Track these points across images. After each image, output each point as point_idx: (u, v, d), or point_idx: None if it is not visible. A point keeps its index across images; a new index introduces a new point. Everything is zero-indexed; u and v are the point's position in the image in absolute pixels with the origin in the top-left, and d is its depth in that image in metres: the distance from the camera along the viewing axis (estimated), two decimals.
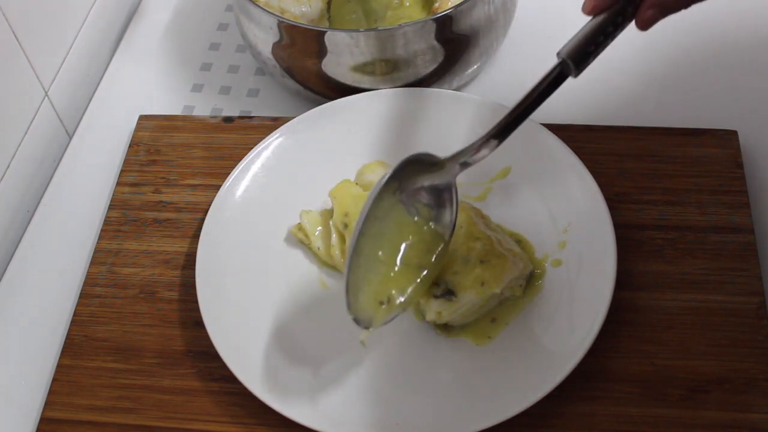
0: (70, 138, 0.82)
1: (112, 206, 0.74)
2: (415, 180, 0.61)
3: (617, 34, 0.58)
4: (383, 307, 0.59)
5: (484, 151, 0.61)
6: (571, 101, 0.78)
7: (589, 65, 0.57)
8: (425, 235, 0.62)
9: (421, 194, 0.62)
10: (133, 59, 0.87)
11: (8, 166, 0.74)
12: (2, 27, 0.71)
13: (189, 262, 0.69)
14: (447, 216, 0.62)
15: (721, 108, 0.77)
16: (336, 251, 0.67)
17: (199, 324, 0.64)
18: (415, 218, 0.62)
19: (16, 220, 0.76)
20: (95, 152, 0.80)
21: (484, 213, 0.67)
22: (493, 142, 0.60)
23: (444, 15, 0.70)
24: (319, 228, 0.68)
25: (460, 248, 0.63)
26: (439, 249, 0.62)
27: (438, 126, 0.73)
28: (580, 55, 0.57)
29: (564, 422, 0.60)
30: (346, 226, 0.66)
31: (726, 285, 0.65)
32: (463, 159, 0.61)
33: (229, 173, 0.71)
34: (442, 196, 0.62)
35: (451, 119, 0.73)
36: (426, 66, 0.73)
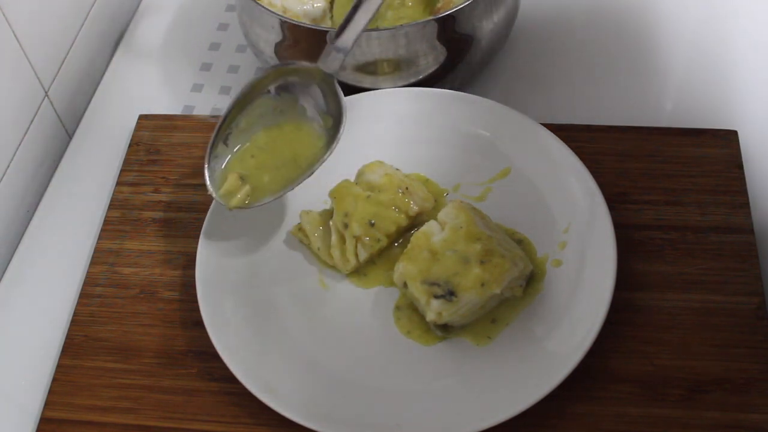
0: (70, 138, 0.82)
1: (112, 206, 0.74)
2: (297, 87, 0.67)
3: None
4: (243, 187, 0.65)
5: (336, 59, 0.65)
6: (571, 101, 0.79)
7: None
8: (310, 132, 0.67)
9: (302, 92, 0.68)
10: (133, 59, 0.87)
11: (8, 166, 0.74)
12: (2, 27, 0.71)
13: (189, 262, 0.69)
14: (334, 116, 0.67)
15: (721, 108, 0.77)
16: (336, 251, 0.67)
17: (199, 324, 0.64)
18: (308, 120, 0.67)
19: (16, 220, 0.76)
20: (95, 152, 0.80)
21: (484, 213, 0.67)
22: (340, 53, 0.65)
23: (446, 15, 0.70)
24: (319, 228, 0.68)
25: (460, 249, 0.63)
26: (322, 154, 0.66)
27: (438, 126, 0.73)
28: None
29: (564, 422, 0.60)
30: (346, 226, 0.66)
31: (726, 285, 0.65)
32: (323, 68, 0.66)
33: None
34: (330, 106, 0.67)
35: (452, 119, 0.73)
36: (428, 66, 0.73)
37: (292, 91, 0.68)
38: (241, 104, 0.66)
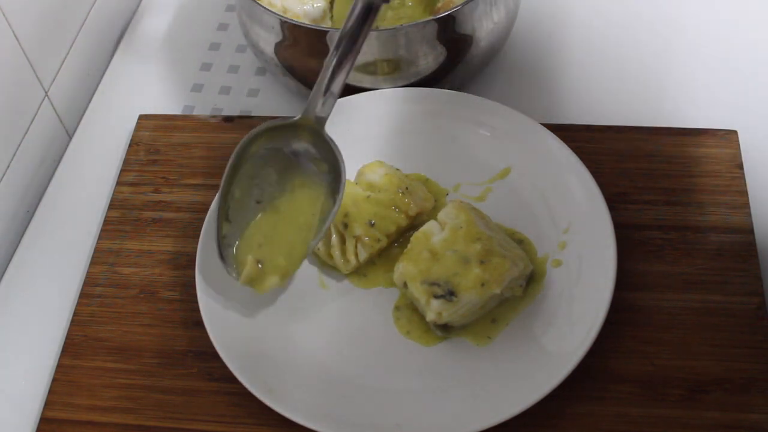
0: (70, 138, 0.82)
1: (112, 206, 0.74)
2: (285, 142, 0.65)
3: None
4: (259, 267, 0.63)
5: (326, 108, 0.63)
6: (571, 101, 0.79)
7: None
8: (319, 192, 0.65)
9: (300, 154, 0.65)
10: (133, 59, 0.87)
11: (8, 166, 0.74)
12: (2, 27, 0.71)
13: (189, 262, 0.69)
14: (335, 173, 0.64)
15: (721, 108, 0.77)
16: (336, 251, 0.67)
17: (199, 324, 0.64)
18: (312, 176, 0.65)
19: (16, 220, 0.76)
20: (95, 152, 0.80)
21: (484, 213, 0.67)
22: (331, 97, 0.63)
23: (446, 15, 0.70)
24: None
25: (460, 249, 0.63)
26: (331, 209, 0.64)
27: (438, 126, 0.73)
28: None
29: (564, 422, 0.60)
30: (346, 226, 0.66)
31: (725, 285, 0.65)
32: (311, 119, 0.64)
33: None
34: (323, 154, 0.65)
35: (452, 119, 0.73)
36: (428, 66, 0.74)
37: (280, 147, 0.65)
38: (231, 175, 0.64)
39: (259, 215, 0.65)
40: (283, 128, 0.65)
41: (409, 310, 0.65)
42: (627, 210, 0.69)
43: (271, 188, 0.65)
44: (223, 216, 0.64)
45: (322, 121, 0.64)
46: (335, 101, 0.63)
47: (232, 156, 0.63)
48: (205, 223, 0.68)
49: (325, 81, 0.62)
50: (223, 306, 0.65)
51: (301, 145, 0.65)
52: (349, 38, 0.60)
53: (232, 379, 0.61)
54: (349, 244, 0.66)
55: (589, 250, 0.65)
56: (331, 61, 0.61)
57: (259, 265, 0.63)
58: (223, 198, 0.64)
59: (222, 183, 0.64)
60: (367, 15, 0.59)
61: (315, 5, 0.75)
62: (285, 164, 0.66)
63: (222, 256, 0.63)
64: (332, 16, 0.77)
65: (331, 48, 0.61)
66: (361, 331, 0.65)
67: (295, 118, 0.64)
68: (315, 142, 0.65)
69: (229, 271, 0.64)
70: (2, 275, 0.73)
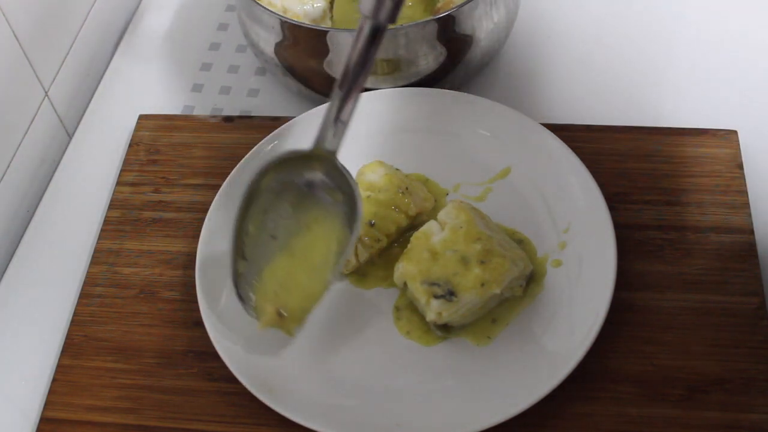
0: (70, 138, 0.82)
1: (112, 206, 0.74)
2: (297, 173, 0.63)
3: None
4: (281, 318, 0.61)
5: (337, 137, 0.61)
6: (571, 101, 0.79)
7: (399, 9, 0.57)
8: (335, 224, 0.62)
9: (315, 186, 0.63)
10: (133, 59, 0.87)
11: (8, 167, 0.74)
12: (2, 27, 0.71)
13: (189, 262, 0.69)
14: (351, 203, 0.62)
15: (721, 108, 0.77)
16: None
17: (199, 324, 0.64)
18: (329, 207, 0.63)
19: (16, 220, 0.76)
20: (95, 152, 0.80)
21: (484, 213, 0.67)
22: (341, 126, 0.61)
23: (446, 15, 0.70)
24: None
25: (460, 249, 0.63)
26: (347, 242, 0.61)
27: (438, 126, 0.73)
28: (385, 11, 0.57)
29: (564, 422, 0.60)
30: None
31: (725, 285, 0.65)
32: (323, 149, 0.61)
33: (229, 173, 0.71)
34: (336, 183, 0.63)
35: (451, 119, 0.73)
36: (428, 66, 0.74)
37: (292, 178, 0.63)
38: (244, 210, 0.62)
39: (275, 259, 0.62)
40: (295, 159, 0.62)
41: (409, 310, 0.65)
42: (627, 210, 0.69)
43: (285, 222, 0.63)
44: (239, 253, 0.62)
45: (334, 151, 0.62)
46: (346, 129, 0.61)
47: (245, 190, 0.62)
48: (205, 222, 0.68)
49: (335, 110, 0.60)
50: (223, 306, 0.65)
51: (314, 175, 0.63)
52: (358, 64, 0.58)
53: (232, 379, 0.61)
54: None
55: (589, 250, 0.65)
56: (340, 89, 0.59)
57: (282, 312, 0.61)
58: (237, 235, 0.62)
59: (235, 219, 0.61)
60: (375, 38, 0.58)
61: (315, 5, 0.75)
62: (298, 196, 0.63)
63: (240, 296, 0.62)
64: (332, 16, 0.77)
65: (339, 75, 0.59)
66: (361, 331, 0.65)
67: (307, 149, 0.62)
68: (328, 172, 0.62)
69: (248, 310, 0.62)
70: (2, 275, 0.73)
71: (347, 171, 0.62)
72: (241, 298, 0.62)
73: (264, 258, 0.62)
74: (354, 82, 0.59)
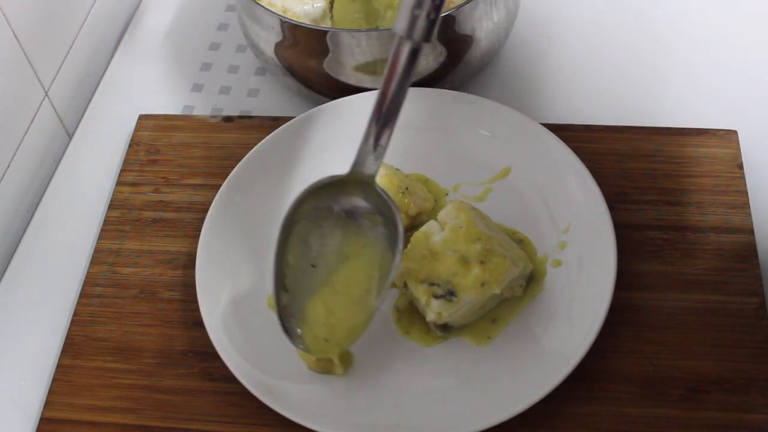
0: (70, 138, 0.82)
1: (112, 206, 0.74)
2: (334, 200, 0.61)
3: None
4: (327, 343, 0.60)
5: (376, 162, 0.59)
6: (571, 101, 0.79)
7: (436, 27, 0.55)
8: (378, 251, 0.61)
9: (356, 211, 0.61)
10: (133, 59, 0.87)
11: (8, 166, 0.74)
12: (2, 27, 0.71)
13: (189, 262, 0.69)
14: (392, 227, 0.60)
15: (721, 108, 0.77)
16: None
17: (199, 324, 0.64)
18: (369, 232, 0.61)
19: (16, 220, 0.76)
20: (95, 152, 0.80)
21: (484, 213, 0.67)
22: (380, 150, 0.59)
23: (446, 15, 0.70)
24: None
25: (460, 249, 0.63)
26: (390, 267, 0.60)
27: (438, 126, 0.73)
28: (419, 29, 0.55)
29: (564, 422, 0.60)
30: None
31: (725, 285, 0.65)
32: (362, 173, 0.59)
33: (229, 173, 0.71)
34: (376, 206, 0.61)
35: (451, 119, 0.73)
36: (427, 66, 0.73)
37: (329, 205, 0.61)
38: (283, 241, 0.60)
39: (318, 291, 0.61)
40: (331, 186, 0.61)
41: (409, 310, 0.65)
42: (627, 210, 0.69)
43: (325, 250, 0.61)
44: (281, 285, 0.60)
45: (372, 175, 0.60)
46: (384, 153, 0.59)
47: (284, 220, 0.60)
48: (205, 222, 0.68)
49: (374, 135, 0.58)
50: (223, 306, 0.65)
51: (352, 200, 0.61)
52: (398, 89, 0.57)
53: (232, 379, 0.61)
54: None
55: (589, 250, 0.65)
56: (379, 113, 0.58)
57: (327, 341, 0.61)
58: (278, 266, 0.60)
59: (275, 250, 0.60)
60: (414, 59, 0.56)
61: (315, 5, 0.75)
62: (337, 223, 0.62)
63: (285, 329, 0.60)
64: (332, 16, 0.77)
65: (377, 98, 0.58)
66: None
67: (344, 175, 0.60)
68: (366, 196, 0.61)
69: (296, 344, 0.60)
70: (2, 275, 0.73)
71: (386, 193, 0.60)
72: (288, 331, 0.60)
73: (307, 289, 0.61)
74: (394, 108, 0.58)
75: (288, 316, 0.60)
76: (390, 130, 0.59)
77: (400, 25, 0.55)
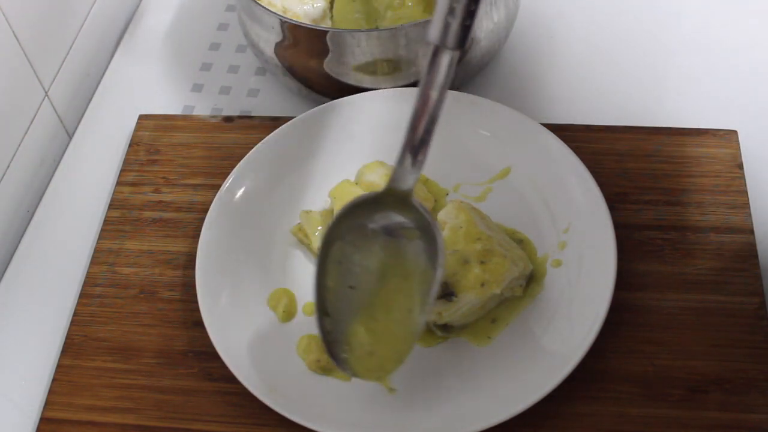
0: (70, 138, 0.82)
1: (112, 206, 0.74)
2: (368, 217, 0.59)
3: None
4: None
5: (413, 177, 0.57)
6: (571, 101, 0.79)
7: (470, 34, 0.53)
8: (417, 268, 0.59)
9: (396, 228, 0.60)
10: (133, 59, 0.87)
11: (8, 166, 0.74)
12: (2, 27, 0.71)
13: (189, 262, 0.69)
14: (433, 242, 0.58)
15: (721, 108, 0.77)
16: None
17: (199, 324, 0.64)
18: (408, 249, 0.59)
19: (16, 220, 0.76)
20: (95, 152, 0.80)
21: (484, 213, 0.67)
22: (418, 166, 0.57)
23: None
24: (319, 228, 0.68)
25: (460, 249, 0.63)
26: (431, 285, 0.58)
27: (438, 126, 0.73)
28: (453, 37, 0.53)
29: (564, 422, 0.60)
30: None
31: (725, 285, 0.65)
32: (398, 189, 0.58)
33: (229, 173, 0.71)
34: (413, 220, 0.59)
35: (451, 119, 0.73)
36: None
37: (364, 222, 0.60)
38: (322, 265, 0.58)
39: (359, 313, 0.59)
40: (365, 204, 0.59)
41: None
42: (627, 210, 0.69)
43: (362, 270, 0.59)
44: (322, 311, 0.58)
45: (410, 190, 0.58)
46: (423, 166, 0.57)
47: (321, 243, 0.58)
48: (205, 222, 0.68)
49: (411, 152, 0.56)
50: (223, 306, 0.65)
51: (388, 216, 0.59)
52: (438, 100, 0.55)
53: (232, 379, 0.61)
54: None
55: (589, 250, 0.65)
56: (416, 128, 0.56)
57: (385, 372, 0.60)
58: (319, 291, 0.58)
59: (315, 275, 0.58)
60: (450, 69, 0.54)
61: (315, 5, 0.75)
62: (372, 241, 0.60)
63: (332, 354, 0.58)
64: (332, 16, 0.77)
65: (413, 112, 0.56)
66: None
67: (379, 192, 0.58)
68: (402, 211, 0.59)
69: (344, 369, 0.59)
70: (2, 275, 0.73)
71: (423, 207, 0.59)
72: (335, 356, 0.59)
73: (348, 312, 0.59)
74: (432, 120, 0.56)
75: (333, 341, 0.58)
76: (428, 147, 0.57)
77: (434, 32, 0.53)
